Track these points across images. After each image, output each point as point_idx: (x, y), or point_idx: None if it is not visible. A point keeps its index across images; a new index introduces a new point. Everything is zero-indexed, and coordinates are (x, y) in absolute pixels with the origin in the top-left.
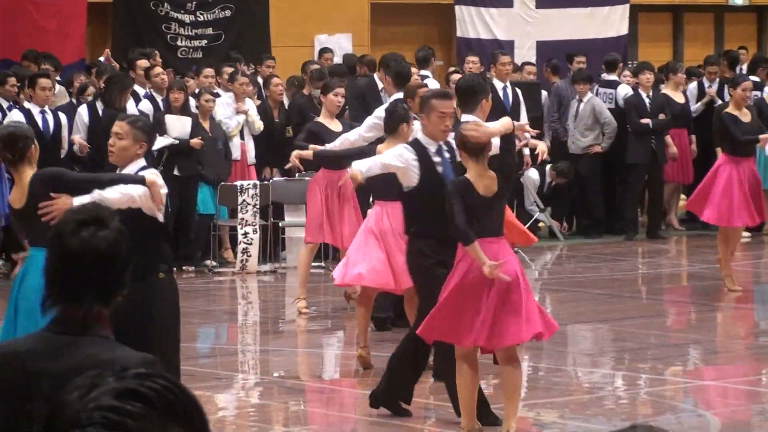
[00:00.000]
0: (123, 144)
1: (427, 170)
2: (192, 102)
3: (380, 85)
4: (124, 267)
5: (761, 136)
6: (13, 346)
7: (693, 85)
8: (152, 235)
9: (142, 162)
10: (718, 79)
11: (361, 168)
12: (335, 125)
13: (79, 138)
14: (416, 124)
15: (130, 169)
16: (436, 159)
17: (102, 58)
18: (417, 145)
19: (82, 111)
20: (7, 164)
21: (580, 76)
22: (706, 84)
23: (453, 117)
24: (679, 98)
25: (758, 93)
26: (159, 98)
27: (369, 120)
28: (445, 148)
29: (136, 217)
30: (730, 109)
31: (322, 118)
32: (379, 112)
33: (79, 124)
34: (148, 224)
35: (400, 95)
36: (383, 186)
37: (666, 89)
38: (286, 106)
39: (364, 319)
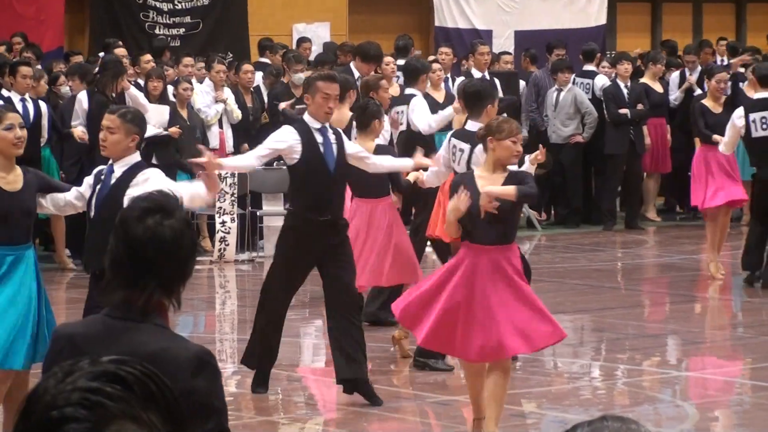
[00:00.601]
0: (115, 138)
1: (309, 149)
2: (170, 90)
3: (356, 74)
4: (188, 257)
5: (714, 136)
6: (69, 328)
7: (675, 75)
8: None
9: (137, 156)
10: (699, 68)
11: (250, 162)
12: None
13: (81, 130)
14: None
15: (125, 163)
16: (319, 139)
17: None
18: (302, 125)
19: (82, 97)
20: None
21: (562, 65)
22: (687, 73)
23: (336, 99)
24: (658, 88)
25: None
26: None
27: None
28: (329, 130)
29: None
30: (705, 100)
31: None
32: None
33: (79, 111)
34: None
35: (412, 91)
36: (359, 183)
37: (645, 79)
38: (265, 96)
39: None
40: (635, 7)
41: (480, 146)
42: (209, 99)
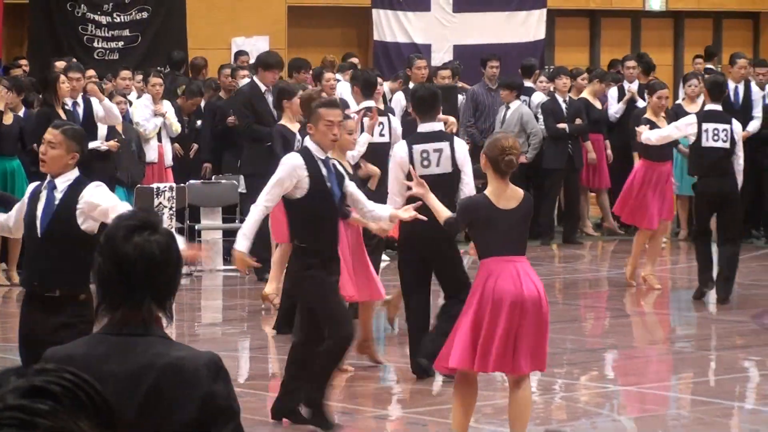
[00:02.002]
0: (55, 153)
1: (316, 183)
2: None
3: (262, 87)
4: (176, 270)
5: (637, 128)
6: (64, 351)
7: (614, 89)
8: (80, 249)
9: (75, 172)
10: (637, 81)
11: (260, 216)
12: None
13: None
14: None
15: (64, 179)
16: (324, 171)
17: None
18: (307, 155)
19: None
20: None
21: (504, 82)
22: (627, 85)
23: (340, 126)
24: (597, 104)
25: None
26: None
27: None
28: (332, 161)
29: (67, 230)
30: (647, 114)
31: (285, 121)
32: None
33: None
34: (79, 238)
35: (369, 103)
36: None
37: (585, 94)
38: (202, 108)
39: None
40: (574, 22)
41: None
42: (148, 112)
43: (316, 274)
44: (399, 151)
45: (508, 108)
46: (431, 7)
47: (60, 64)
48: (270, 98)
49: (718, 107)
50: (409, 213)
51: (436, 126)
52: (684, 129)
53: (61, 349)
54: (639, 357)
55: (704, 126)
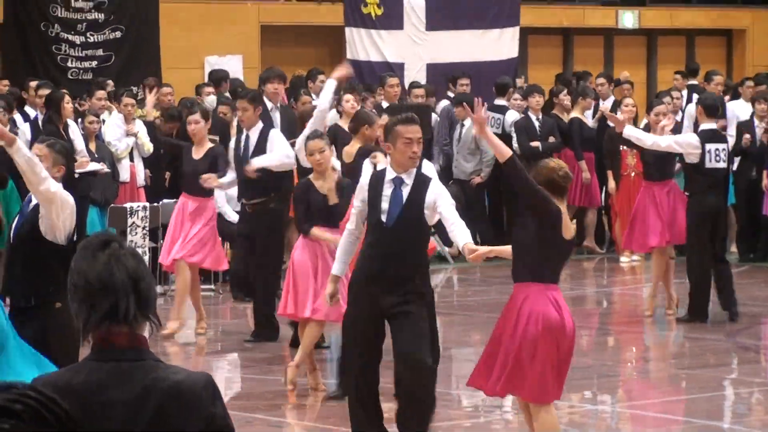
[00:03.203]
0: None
1: (372, 202)
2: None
3: (269, 105)
4: (151, 281)
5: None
6: (60, 379)
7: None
8: (50, 259)
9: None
10: (611, 97)
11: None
12: None
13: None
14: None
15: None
16: (387, 191)
17: None
18: (379, 174)
19: (25, 129)
20: None
21: (458, 99)
22: (601, 103)
23: (420, 142)
24: (588, 121)
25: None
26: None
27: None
28: (406, 182)
29: (34, 238)
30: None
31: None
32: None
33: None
34: (47, 247)
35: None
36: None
37: (575, 113)
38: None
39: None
40: (547, 40)
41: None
42: (120, 132)
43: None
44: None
45: (462, 125)
46: (404, 25)
47: (34, 84)
48: (277, 116)
49: (714, 125)
50: (477, 254)
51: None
52: (685, 149)
53: (55, 377)
54: (614, 376)
55: (707, 147)
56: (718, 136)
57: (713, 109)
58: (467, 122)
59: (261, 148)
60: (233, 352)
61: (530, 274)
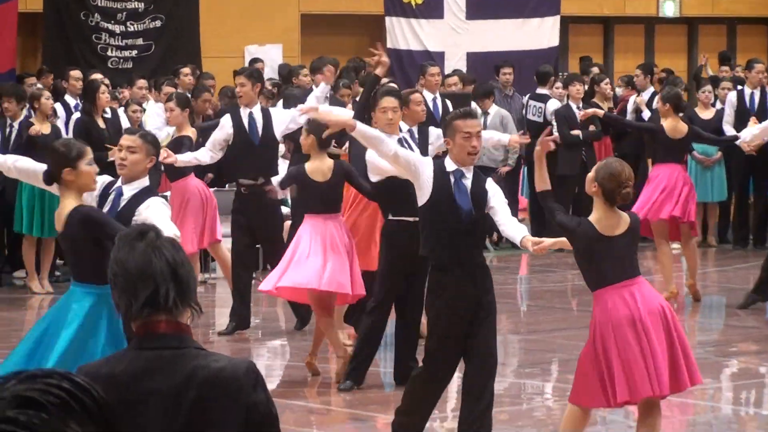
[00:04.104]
0: (136, 158)
1: (440, 191)
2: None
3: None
4: (190, 269)
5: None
6: (102, 368)
7: (632, 99)
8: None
9: (146, 181)
10: (650, 88)
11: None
12: None
13: None
14: None
15: (135, 186)
16: (451, 183)
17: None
18: (439, 166)
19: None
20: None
21: (479, 92)
22: (639, 94)
23: (480, 136)
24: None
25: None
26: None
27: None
28: (467, 175)
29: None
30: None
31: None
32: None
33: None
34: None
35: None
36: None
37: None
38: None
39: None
40: (588, 29)
41: None
42: (160, 121)
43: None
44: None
45: (487, 114)
46: (444, 14)
47: (74, 73)
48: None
49: None
50: (541, 246)
51: None
52: None
53: (97, 366)
54: None
55: None
56: None
57: None
58: (492, 110)
59: (268, 127)
60: (274, 339)
61: (600, 281)
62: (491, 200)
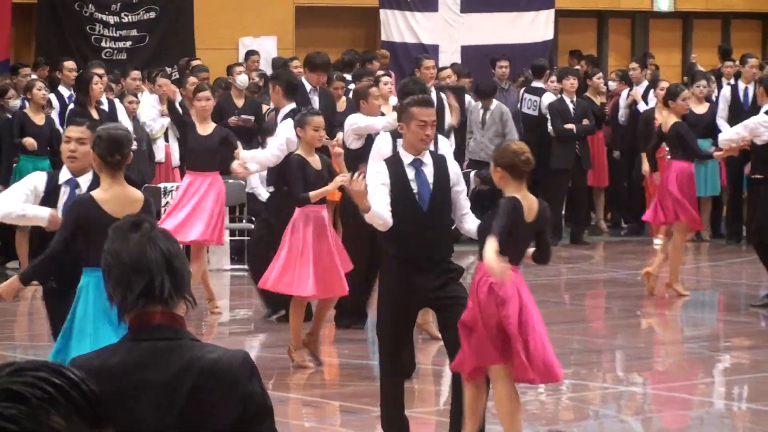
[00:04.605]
0: (86, 149)
1: (399, 187)
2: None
3: (308, 87)
4: (184, 260)
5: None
6: (98, 359)
7: (624, 92)
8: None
9: (90, 175)
10: (645, 82)
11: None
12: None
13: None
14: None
15: (88, 177)
16: (411, 175)
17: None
18: (394, 159)
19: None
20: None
21: (484, 89)
22: (635, 87)
23: (434, 126)
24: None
25: None
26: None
27: (282, 138)
28: (424, 161)
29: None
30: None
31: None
32: (287, 127)
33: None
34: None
35: (291, 105)
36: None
37: (589, 93)
38: None
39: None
40: (580, 22)
41: None
42: (155, 112)
43: (388, 280)
44: (383, 144)
45: (487, 110)
46: (439, 7)
47: (68, 64)
48: (316, 98)
49: None
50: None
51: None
52: (757, 128)
53: (91, 357)
54: (646, 358)
55: None
56: None
57: None
58: (492, 106)
59: None
60: (265, 332)
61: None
62: (455, 186)
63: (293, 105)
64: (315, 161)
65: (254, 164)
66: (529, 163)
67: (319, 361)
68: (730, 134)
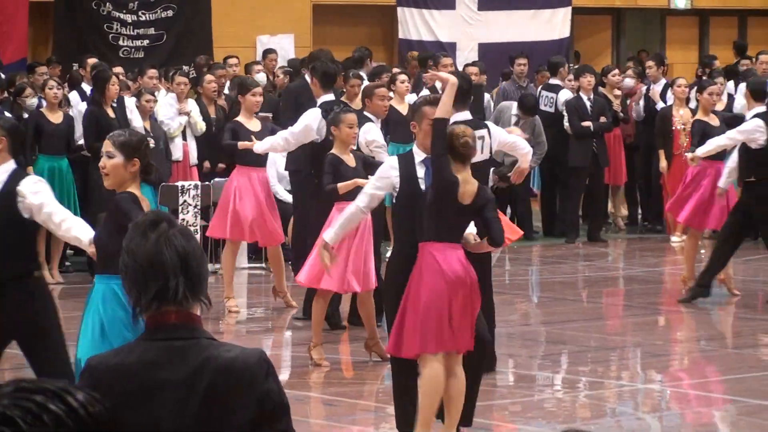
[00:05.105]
0: (2, 145)
1: (408, 183)
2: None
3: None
4: (202, 257)
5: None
6: (115, 358)
7: (642, 89)
8: (27, 235)
9: (13, 164)
10: (663, 80)
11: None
12: (253, 125)
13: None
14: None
15: (6, 168)
16: (420, 173)
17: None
18: (406, 156)
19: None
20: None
21: (528, 104)
22: (651, 86)
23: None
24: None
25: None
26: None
27: (300, 124)
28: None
29: (10, 218)
30: (699, 115)
31: (241, 117)
32: (311, 115)
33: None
34: (22, 225)
35: (329, 97)
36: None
37: (605, 90)
38: (222, 104)
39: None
40: (597, 20)
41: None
42: (172, 111)
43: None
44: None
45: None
46: (456, 5)
47: (91, 62)
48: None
49: (764, 108)
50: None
51: (468, 115)
52: (751, 134)
53: (108, 356)
54: (663, 355)
55: None
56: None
57: (760, 93)
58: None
59: None
60: (282, 330)
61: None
62: None
63: (331, 96)
64: (350, 159)
65: (265, 144)
66: (467, 147)
67: (384, 359)
68: (723, 141)
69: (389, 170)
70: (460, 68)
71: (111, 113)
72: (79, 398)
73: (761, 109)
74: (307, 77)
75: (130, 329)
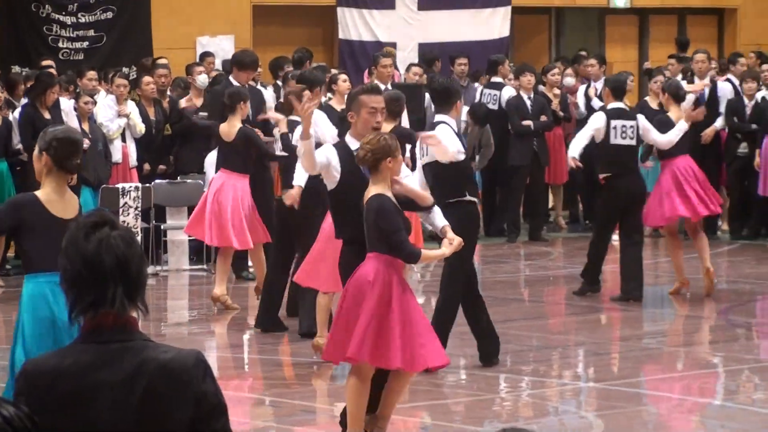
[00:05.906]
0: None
1: (349, 173)
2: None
3: (235, 83)
4: (141, 263)
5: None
6: (50, 360)
7: (581, 89)
8: None
9: None
10: (603, 78)
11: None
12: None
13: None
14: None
15: None
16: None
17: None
18: (342, 145)
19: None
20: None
21: (477, 115)
22: (593, 84)
23: (384, 113)
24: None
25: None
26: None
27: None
28: None
29: None
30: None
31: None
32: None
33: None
34: None
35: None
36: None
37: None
38: (166, 107)
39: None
40: (537, 19)
41: None
42: (112, 113)
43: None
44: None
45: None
46: (396, 5)
47: (91, 74)
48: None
49: (621, 105)
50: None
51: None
52: (599, 124)
53: (44, 360)
54: (605, 353)
55: (612, 123)
56: (626, 114)
57: (619, 91)
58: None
59: None
60: (223, 333)
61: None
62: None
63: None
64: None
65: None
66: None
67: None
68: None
69: (331, 154)
70: (401, 68)
71: (46, 114)
72: (13, 410)
73: (618, 105)
74: (232, 79)
75: (55, 330)
